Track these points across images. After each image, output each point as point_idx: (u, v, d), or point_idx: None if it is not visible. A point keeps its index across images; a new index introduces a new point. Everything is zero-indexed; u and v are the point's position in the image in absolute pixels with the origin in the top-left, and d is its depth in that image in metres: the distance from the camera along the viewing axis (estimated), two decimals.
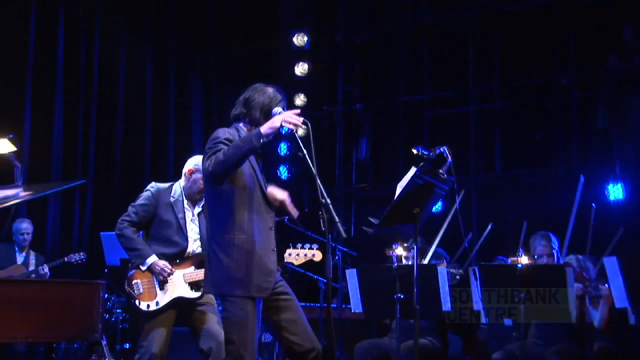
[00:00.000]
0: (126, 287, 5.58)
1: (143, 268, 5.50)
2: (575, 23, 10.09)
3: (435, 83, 11.11)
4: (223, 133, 4.36)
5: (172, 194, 5.66)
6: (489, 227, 7.06)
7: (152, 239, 5.64)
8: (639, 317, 5.76)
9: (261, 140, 4.19)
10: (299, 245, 4.95)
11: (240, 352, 4.22)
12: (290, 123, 4.23)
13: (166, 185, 5.73)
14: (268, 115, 4.41)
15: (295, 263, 4.79)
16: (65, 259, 8.21)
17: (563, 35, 10.18)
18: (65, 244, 9.74)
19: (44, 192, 7.83)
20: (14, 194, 6.26)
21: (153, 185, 5.72)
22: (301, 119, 4.26)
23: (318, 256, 5.42)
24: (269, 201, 4.44)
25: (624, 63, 9.58)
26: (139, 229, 5.63)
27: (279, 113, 4.36)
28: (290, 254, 4.72)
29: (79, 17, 10.31)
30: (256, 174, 4.42)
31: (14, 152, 6.62)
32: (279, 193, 4.55)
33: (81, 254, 8.26)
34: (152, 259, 5.48)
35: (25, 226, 8.42)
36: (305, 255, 5.32)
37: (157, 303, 5.50)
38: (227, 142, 4.28)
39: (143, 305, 5.50)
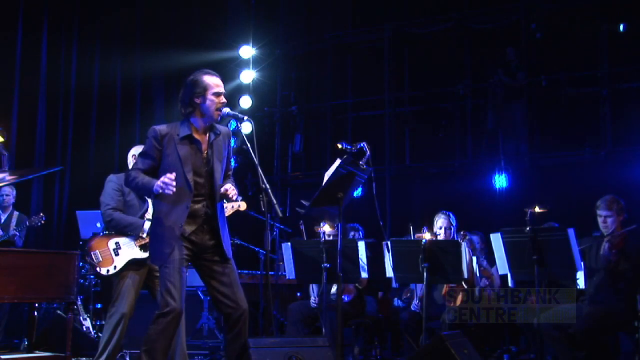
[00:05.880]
0: (87, 258, 5.47)
1: (144, 235, 5.36)
2: (470, 44, 10.23)
3: (357, 90, 11.14)
4: (152, 132, 4.32)
5: None
6: None
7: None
8: (516, 282, 5.90)
9: (152, 195, 4.34)
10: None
11: (164, 295, 4.18)
12: (162, 186, 4.12)
13: (121, 174, 5.58)
14: (202, 101, 4.31)
15: (225, 214, 4.67)
16: (27, 222, 7.78)
17: (460, 53, 10.29)
18: (46, 221, 9.52)
19: (27, 177, 7.62)
20: (1, 177, 6.11)
21: (112, 178, 5.59)
22: (173, 182, 4.11)
23: (243, 206, 5.43)
24: (190, 184, 4.26)
25: (508, 77, 9.74)
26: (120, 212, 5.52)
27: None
28: None
29: (61, 31, 10.08)
30: (181, 162, 4.27)
31: (2, 143, 6.44)
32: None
33: (41, 215, 7.82)
34: (147, 224, 5.38)
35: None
36: (232, 207, 5.31)
37: (114, 267, 5.38)
38: (152, 140, 4.31)
39: (104, 271, 5.39)
